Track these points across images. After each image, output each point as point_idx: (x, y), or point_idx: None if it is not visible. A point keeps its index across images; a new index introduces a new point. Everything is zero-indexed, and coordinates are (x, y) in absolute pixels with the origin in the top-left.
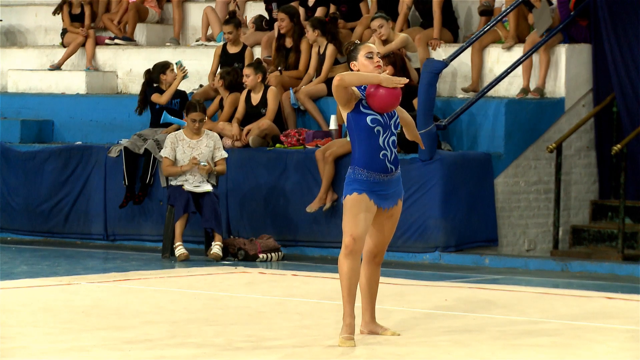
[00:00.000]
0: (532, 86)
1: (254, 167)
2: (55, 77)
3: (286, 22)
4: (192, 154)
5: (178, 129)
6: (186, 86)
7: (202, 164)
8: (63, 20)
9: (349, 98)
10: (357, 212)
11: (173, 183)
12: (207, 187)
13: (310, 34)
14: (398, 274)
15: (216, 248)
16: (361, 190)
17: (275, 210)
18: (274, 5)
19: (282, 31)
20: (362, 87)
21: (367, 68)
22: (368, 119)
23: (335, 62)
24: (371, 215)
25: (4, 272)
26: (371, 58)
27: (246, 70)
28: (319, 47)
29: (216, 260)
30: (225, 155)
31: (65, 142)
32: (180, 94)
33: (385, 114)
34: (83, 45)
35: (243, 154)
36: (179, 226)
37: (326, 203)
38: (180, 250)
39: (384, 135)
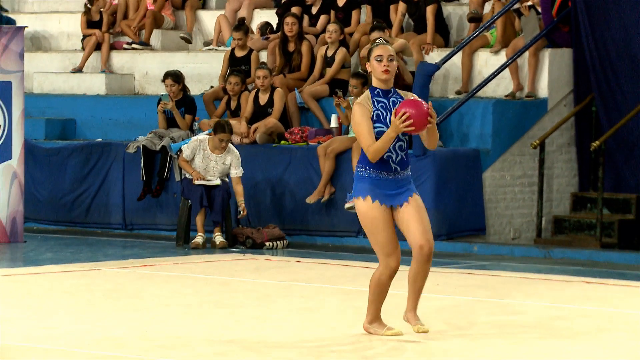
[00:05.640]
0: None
1: (260, 162)
2: (77, 79)
3: (296, 26)
4: (209, 164)
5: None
6: (198, 88)
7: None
8: (81, 28)
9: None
10: (383, 229)
11: (188, 176)
12: (217, 181)
13: (336, 35)
14: None
15: (217, 237)
16: (365, 192)
17: (280, 201)
18: None
19: (289, 34)
20: (375, 92)
21: (375, 71)
22: (375, 131)
23: (342, 66)
24: (389, 223)
25: (30, 259)
26: (380, 61)
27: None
28: (327, 49)
29: (223, 247)
30: (241, 173)
31: (87, 139)
32: (184, 102)
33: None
34: (100, 48)
35: (251, 150)
36: (199, 220)
37: (324, 196)
38: (198, 239)
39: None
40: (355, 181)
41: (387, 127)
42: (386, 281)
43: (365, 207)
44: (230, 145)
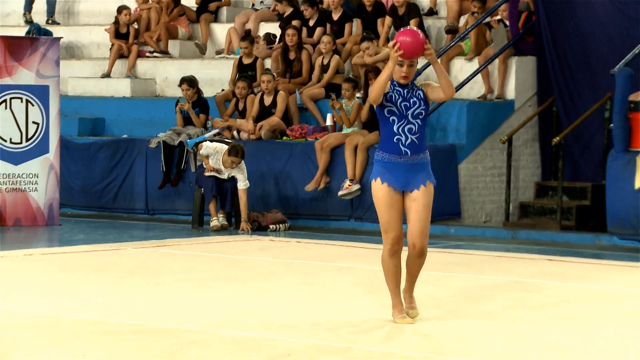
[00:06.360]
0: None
1: (265, 155)
2: (106, 83)
3: (296, 37)
4: (218, 169)
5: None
6: (211, 91)
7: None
8: (110, 37)
9: (381, 97)
10: (386, 209)
11: (204, 165)
12: (225, 175)
13: (329, 46)
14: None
15: (221, 219)
16: (377, 174)
17: (282, 190)
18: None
19: (290, 43)
20: (394, 83)
21: (395, 73)
22: (385, 110)
23: (337, 72)
24: (394, 205)
25: (65, 240)
26: (402, 66)
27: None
28: (323, 58)
29: (225, 229)
30: (246, 186)
31: (114, 135)
32: (199, 103)
33: (402, 105)
34: (126, 56)
35: (257, 145)
36: (212, 207)
37: (321, 184)
38: (214, 222)
39: (399, 123)
40: (374, 163)
41: (398, 109)
42: (389, 259)
43: (376, 188)
44: (242, 166)
